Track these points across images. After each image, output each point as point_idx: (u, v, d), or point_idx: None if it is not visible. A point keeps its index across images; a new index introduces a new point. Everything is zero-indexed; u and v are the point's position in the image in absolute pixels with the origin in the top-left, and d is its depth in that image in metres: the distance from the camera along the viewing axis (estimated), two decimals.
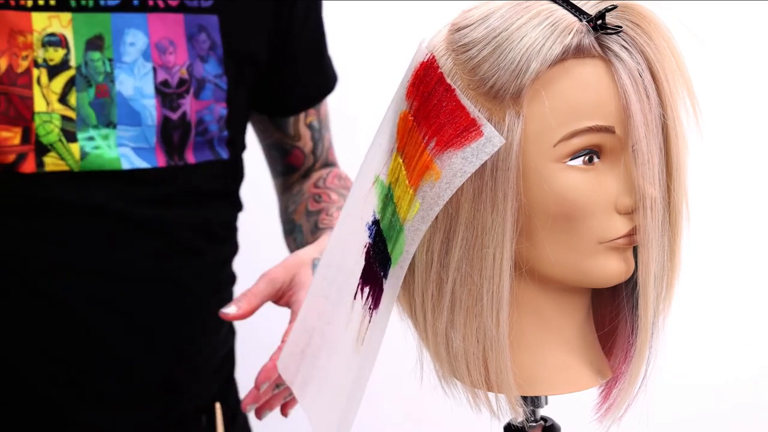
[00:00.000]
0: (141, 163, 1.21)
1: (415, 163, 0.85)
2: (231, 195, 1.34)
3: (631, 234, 0.85)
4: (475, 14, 0.86)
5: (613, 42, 0.82)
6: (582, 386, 0.91)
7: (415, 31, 0.93)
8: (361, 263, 0.93)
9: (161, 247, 1.25)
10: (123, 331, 1.23)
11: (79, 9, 1.17)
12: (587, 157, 0.84)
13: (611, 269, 0.86)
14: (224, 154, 1.27)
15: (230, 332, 1.40)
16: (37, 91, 1.16)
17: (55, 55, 1.16)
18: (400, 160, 0.88)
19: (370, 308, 0.92)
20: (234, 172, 1.33)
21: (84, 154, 1.18)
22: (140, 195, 1.22)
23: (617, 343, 0.92)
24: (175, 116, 1.21)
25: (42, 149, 1.17)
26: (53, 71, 1.17)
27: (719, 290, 1.93)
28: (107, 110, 1.18)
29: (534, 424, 0.94)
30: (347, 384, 0.94)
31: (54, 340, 1.21)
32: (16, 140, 1.16)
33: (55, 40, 1.17)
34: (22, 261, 1.21)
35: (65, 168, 1.18)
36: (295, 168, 1.36)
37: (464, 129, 0.82)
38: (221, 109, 1.24)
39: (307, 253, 1.17)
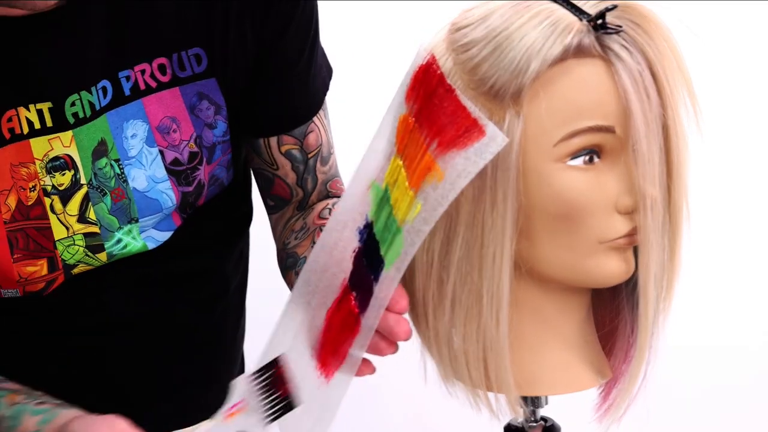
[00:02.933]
0: (163, 236, 1.18)
1: (417, 164, 0.85)
2: (240, 207, 1.31)
3: (632, 234, 0.85)
4: (475, 14, 0.86)
5: (614, 42, 0.82)
6: (582, 386, 0.91)
7: (415, 31, 0.93)
8: (349, 268, 0.92)
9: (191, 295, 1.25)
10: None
11: (78, 123, 1.11)
12: (587, 157, 0.84)
13: (611, 269, 0.86)
14: (226, 180, 1.23)
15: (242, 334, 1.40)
16: (53, 219, 1.11)
17: (64, 179, 1.11)
18: (400, 162, 0.87)
19: (356, 312, 0.91)
20: (239, 186, 1.29)
21: (111, 256, 1.15)
22: (164, 261, 1.20)
23: (617, 343, 0.92)
24: (191, 188, 1.17)
25: (70, 267, 1.14)
26: (65, 195, 1.11)
27: (719, 290, 1.93)
28: (128, 211, 1.14)
29: (534, 424, 0.94)
30: (321, 393, 0.93)
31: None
32: (43, 271, 1.12)
33: (60, 164, 1.10)
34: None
35: (94, 266, 1.15)
36: (285, 200, 1.28)
37: (466, 129, 0.82)
38: (227, 156, 1.20)
39: None
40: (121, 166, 1.13)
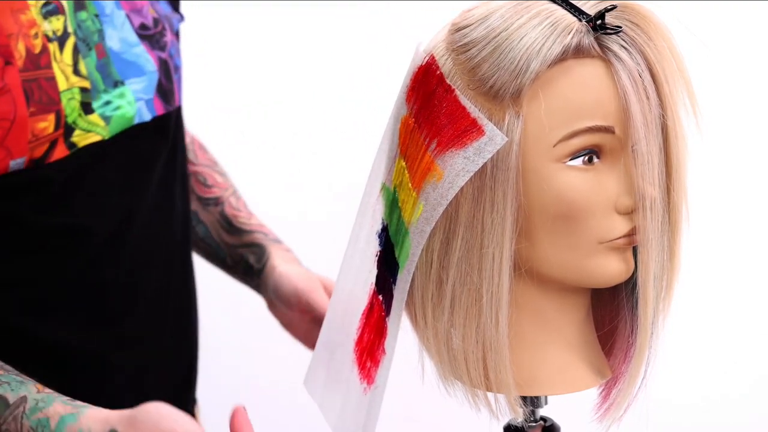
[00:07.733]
0: (147, 116, 1.18)
1: (418, 165, 0.85)
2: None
3: (631, 234, 0.85)
4: (475, 14, 0.86)
5: (613, 42, 0.82)
6: (582, 386, 0.91)
7: (415, 32, 0.93)
8: (375, 272, 0.93)
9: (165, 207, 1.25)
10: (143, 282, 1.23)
11: None
12: (587, 157, 0.84)
13: (611, 269, 0.86)
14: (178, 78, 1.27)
15: (195, 315, 1.39)
16: (56, 68, 1.11)
17: (58, 23, 1.11)
18: (404, 164, 0.88)
19: (383, 316, 0.92)
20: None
21: (107, 119, 1.15)
22: (151, 153, 1.21)
23: (617, 343, 0.92)
24: (164, 55, 1.21)
25: (68, 131, 1.12)
26: (61, 42, 1.12)
27: (719, 290, 1.94)
28: (109, 70, 1.16)
29: (534, 424, 0.94)
30: (365, 399, 0.93)
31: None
32: (51, 128, 1.11)
33: (52, 8, 1.11)
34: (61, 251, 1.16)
35: (97, 138, 1.14)
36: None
37: (465, 129, 0.83)
38: (177, 47, 1.25)
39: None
40: (100, 22, 1.15)
